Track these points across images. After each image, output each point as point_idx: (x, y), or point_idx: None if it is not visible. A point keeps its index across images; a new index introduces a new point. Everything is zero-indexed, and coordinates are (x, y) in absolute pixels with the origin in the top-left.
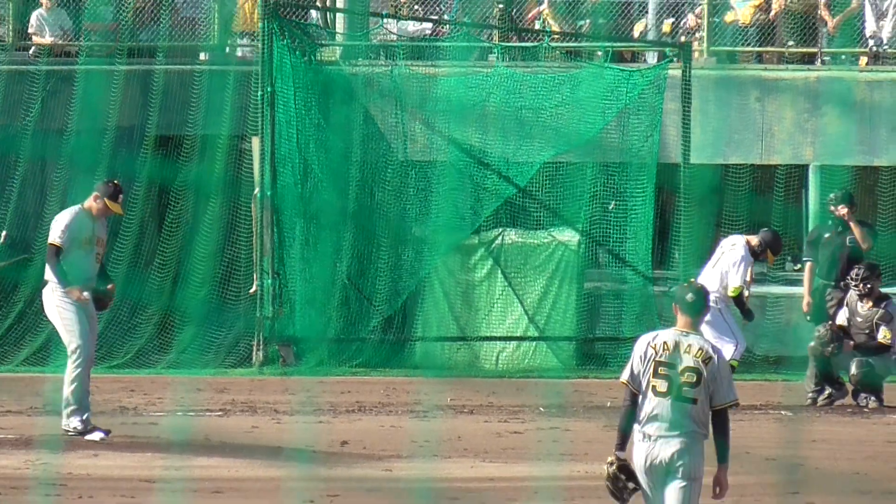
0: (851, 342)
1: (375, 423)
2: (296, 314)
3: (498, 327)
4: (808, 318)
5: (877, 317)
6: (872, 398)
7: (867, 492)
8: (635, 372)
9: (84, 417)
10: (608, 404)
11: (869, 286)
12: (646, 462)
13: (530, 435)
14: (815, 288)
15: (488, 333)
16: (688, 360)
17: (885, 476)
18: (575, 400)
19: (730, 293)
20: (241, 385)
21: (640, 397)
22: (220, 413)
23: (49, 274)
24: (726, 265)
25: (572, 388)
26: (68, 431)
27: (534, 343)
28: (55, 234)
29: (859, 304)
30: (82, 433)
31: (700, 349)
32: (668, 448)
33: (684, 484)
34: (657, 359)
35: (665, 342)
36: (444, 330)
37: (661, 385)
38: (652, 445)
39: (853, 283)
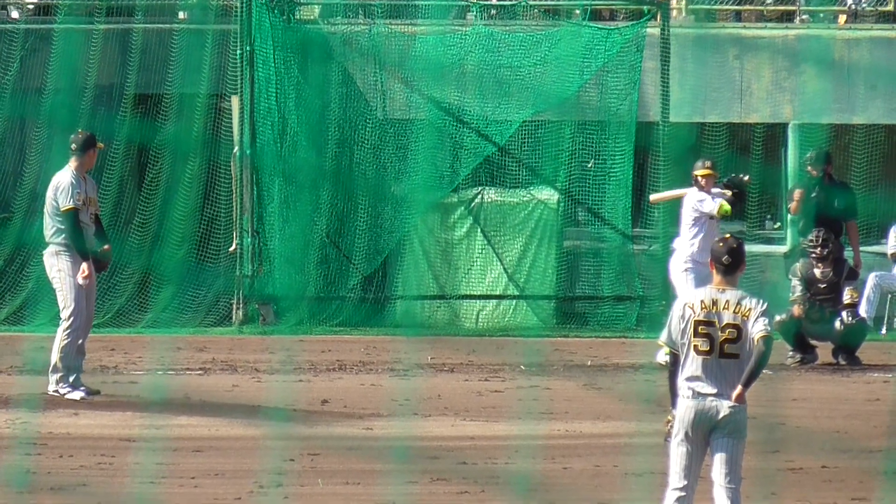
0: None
1: (356, 382)
2: (275, 273)
3: (477, 286)
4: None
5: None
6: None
7: (847, 450)
8: (673, 333)
9: (72, 380)
10: (588, 363)
11: (826, 250)
12: (693, 418)
13: (510, 393)
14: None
15: (468, 292)
16: (727, 317)
17: (865, 434)
18: (555, 358)
19: (718, 215)
20: (220, 344)
21: (682, 357)
22: (200, 372)
23: (56, 237)
24: (687, 217)
25: (552, 346)
26: (56, 395)
27: (513, 301)
28: (67, 198)
29: (816, 268)
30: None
31: (738, 304)
32: (715, 408)
33: (733, 441)
34: (696, 318)
35: (703, 300)
36: (424, 288)
37: (703, 344)
38: (700, 403)
39: (810, 247)
